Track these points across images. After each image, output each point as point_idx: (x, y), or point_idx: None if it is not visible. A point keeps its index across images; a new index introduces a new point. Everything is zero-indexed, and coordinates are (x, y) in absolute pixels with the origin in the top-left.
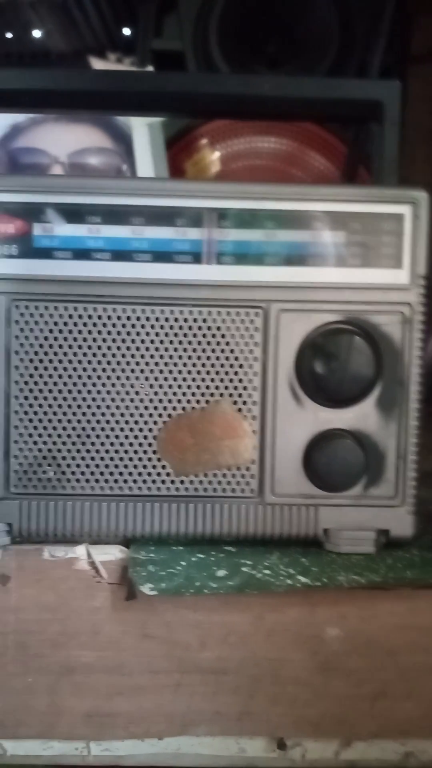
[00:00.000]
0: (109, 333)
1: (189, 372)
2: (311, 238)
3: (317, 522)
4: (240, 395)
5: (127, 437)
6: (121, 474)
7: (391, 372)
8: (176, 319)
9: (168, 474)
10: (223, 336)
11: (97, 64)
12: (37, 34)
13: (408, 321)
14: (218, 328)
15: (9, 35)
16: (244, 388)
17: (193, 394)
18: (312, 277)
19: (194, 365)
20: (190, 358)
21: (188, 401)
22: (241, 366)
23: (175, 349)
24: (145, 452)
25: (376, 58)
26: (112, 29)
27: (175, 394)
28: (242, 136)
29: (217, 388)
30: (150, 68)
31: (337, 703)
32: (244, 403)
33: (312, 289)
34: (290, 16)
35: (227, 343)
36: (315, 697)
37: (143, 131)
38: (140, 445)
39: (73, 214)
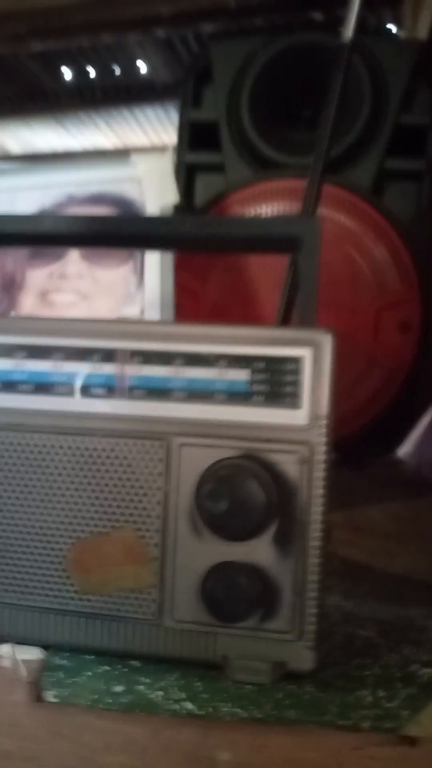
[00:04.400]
0: (26, 458)
1: (97, 498)
2: (216, 376)
3: (216, 648)
4: (143, 523)
5: (40, 554)
6: (35, 587)
7: (287, 510)
8: (86, 449)
9: (76, 591)
10: (129, 466)
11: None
12: (143, 68)
13: (306, 461)
14: (125, 458)
15: (117, 70)
16: (147, 516)
17: (100, 519)
18: (214, 413)
19: (102, 492)
20: (98, 485)
21: (95, 525)
22: (144, 495)
23: (85, 476)
24: (56, 570)
25: (409, 117)
26: None
27: (84, 517)
28: (272, 203)
29: (122, 514)
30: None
31: None
32: (147, 530)
33: (213, 426)
34: (323, 80)
35: (132, 473)
36: None
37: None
38: (51, 563)
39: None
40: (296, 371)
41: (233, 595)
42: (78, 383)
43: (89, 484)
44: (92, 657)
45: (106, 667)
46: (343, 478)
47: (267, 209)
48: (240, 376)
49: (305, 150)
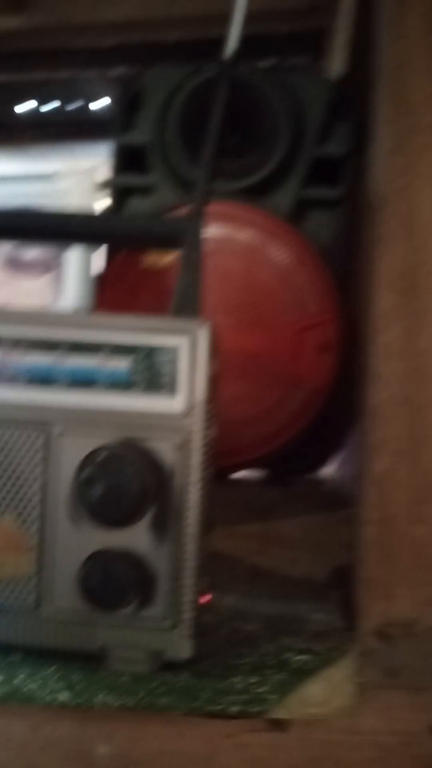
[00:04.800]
0: None
1: None
2: (98, 365)
3: (94, 638)
4: (23, 511)
5: None
6: None
7: (164, 496)
8: None
9: None
10: (7, 454)
11: None
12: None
13: (181, 447)
14: (5, 446)
15: (49, 107)
16: (27, 505)
17: None
18: (93, 401)
19: None
20: None
21: None
22: (24, 483)
23: None
24: None
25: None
26: None
27: None
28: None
29: (1, 502)
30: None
31: None
32: (26, 518)
33: (93, 414)
34: (246, 111)
35: (11, 461)
36: None
37: None
38: None
39: None
40: (173, 360)
41: (109, 582)
42: None
43: None
44: None
45: None
46: (264, 495)
47: None
48: (121, 365)
49: (231, 175)
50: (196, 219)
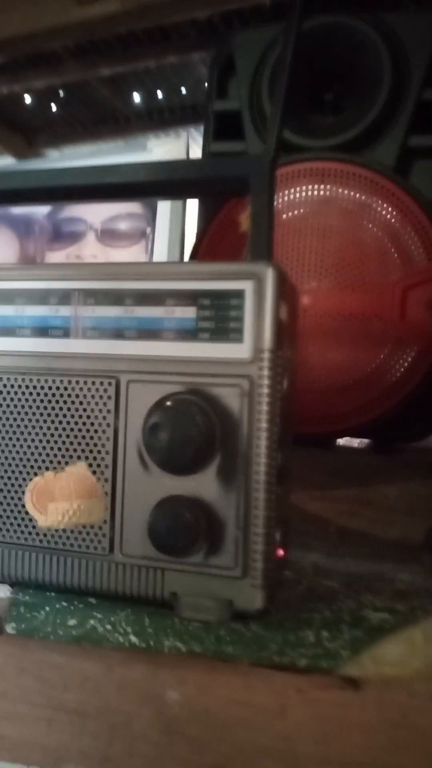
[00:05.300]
0: None
1: (52, 435)
2: (164, 314)
3: (164, 585)
4: (95, 459)
5: (1, 492)
6: (3, 523)
7: (230, 443)
8: (42, 387)
9: (34, 527)
10: (81, 403)
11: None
12: (184, 90)
13: (247, 394)
14: (77, 396)
15: (183, 90)
16: (98, 453)
17: (55, 456)
18: (160, 350)
19: (56, 429)
20: (53, 422)
21: (50, 462)
22: (96, 432)
23: (41, 414)
24: (15, 506)
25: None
26: None
27: (40, 455)
28: (295, 186)
29: (75, 451)
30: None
31: (183, 767)
32: (98, 466)
33: (159, 362)
34: (344, 62)
35: (84, 410)
36: (162, 756)
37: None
38: (12, 499)
39: None
40: (239, 306)
41: (177, 528)
42: (36, 325)
43: (45, 422)
44: (53, 594)
45: (64, 603)
46: (365, 462)
47: (291, 191)
48: (187, 313)
49: (328, 133)
50: (263, 161)
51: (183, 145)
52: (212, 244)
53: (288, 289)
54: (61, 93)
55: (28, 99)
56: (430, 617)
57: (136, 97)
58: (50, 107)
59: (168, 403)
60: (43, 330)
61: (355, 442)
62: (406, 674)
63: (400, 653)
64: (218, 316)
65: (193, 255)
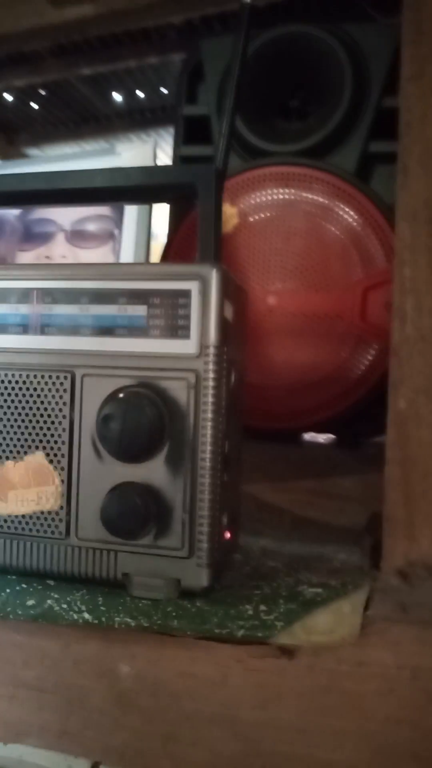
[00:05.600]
0: None
1: (11, 427)
2: (117, 312)
3: (117, 566)
4: (51, 449)
5: None
6: None
7: (178, 432)
8: (1, 381)
9: None
10: (38, 396)
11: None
12: (165, 90)
13: (194, 387)
14: (35, 389)
15: (164, 91)
16: (55, 443)
17: (15, 446)
18: (113, 346)
19: (15, 421)
20: (12, 414)
21: (10, 452)
22: (53, 423)
23: (0, 407)
24: None
25: (392, 99)
26: None
27: (0, 445)
28: (260, 190)
29: (33, 441)
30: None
31: (135, 737)
32: (55, 455)
33: (112, 357)
34: (308, 70)
35: (42, 403)
36: (116, 727)
37: None
38: None
39: None
40: (186, 305)
41: (128, 512)
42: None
43: (4, 414)
44: (13, 578)
45: (24, 585)
46: (327, 455)
47: (257, 195)
48: (138, 311)
49: (293, 139)
50: (209, 170)
51: (151, 149)
52: (181, 246)
53: (234, 290)
54: (42, 92)
55: (8, 98)
56: (359, 590)
57: (117, 97)
58: (31, 106)
59: (120, 396)
60: (3, 327)
61: (321, 438)
62: (334, 641)
63: (328, 622)
64: (167, 314)
65: (164, 257)
